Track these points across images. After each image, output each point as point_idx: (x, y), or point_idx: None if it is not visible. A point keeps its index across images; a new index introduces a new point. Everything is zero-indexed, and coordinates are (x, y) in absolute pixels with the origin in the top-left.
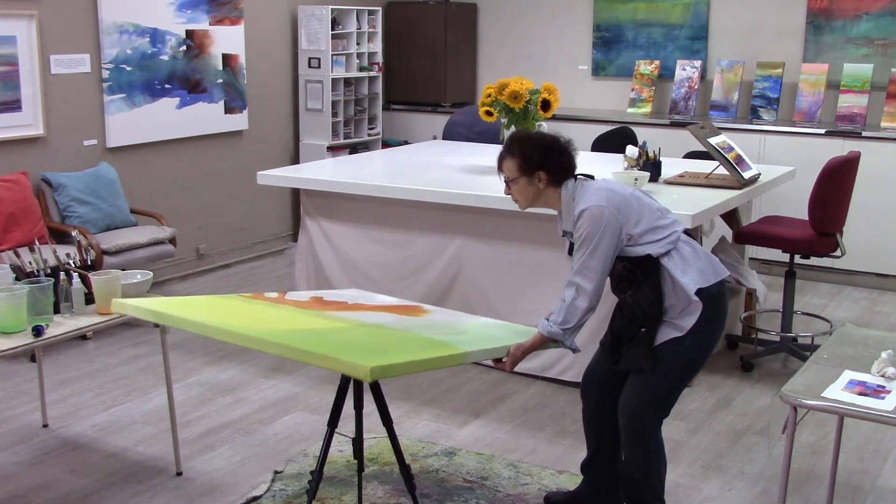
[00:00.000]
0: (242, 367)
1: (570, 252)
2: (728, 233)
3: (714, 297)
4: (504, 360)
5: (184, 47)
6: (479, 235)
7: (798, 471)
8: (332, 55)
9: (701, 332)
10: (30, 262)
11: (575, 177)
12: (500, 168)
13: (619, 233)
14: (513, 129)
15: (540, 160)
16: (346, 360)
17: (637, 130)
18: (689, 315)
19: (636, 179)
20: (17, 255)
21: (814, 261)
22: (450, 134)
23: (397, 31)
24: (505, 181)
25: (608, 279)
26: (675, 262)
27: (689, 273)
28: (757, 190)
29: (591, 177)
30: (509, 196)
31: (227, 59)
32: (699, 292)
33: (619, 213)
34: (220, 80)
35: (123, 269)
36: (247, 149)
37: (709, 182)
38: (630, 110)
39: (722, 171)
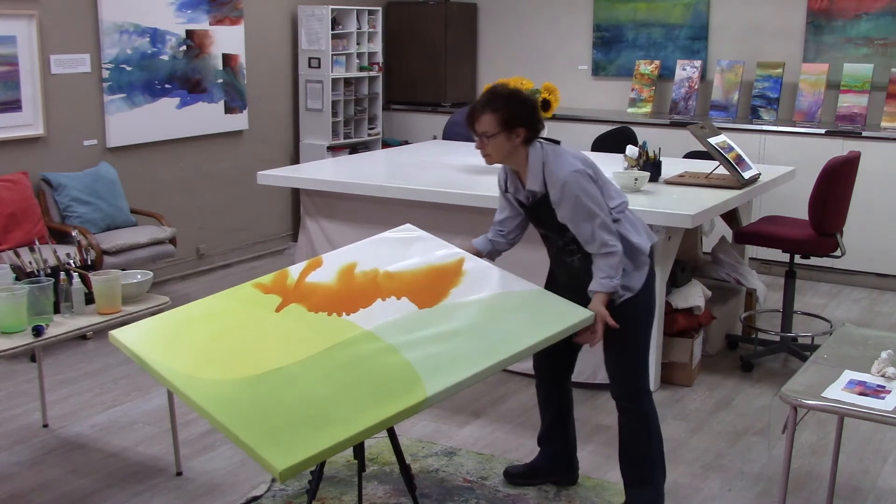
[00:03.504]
0: None
1: (524, 207)
2: (728, 233)
3: (653, 255)
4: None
5: (184, 47)
6: (479, 235)
7: (798, 471)
8: (332, 55)
9: (648, 287)
10: (30, 262)
11: (540, 140)
12: (474, 121)
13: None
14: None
15: (522, 117)
16: (262, 455)
17: (637, 130)
18: (637, 272)
19: (636, 179)
20: (18, 255)
21: (814, 261)
22: (450, 134)
23: (397, 31)
24: (479, 135)
25: (550, 247)
26: (626, 227)
27: (640, 234)
28: (757, 190)
29: (557, 142)
30: (479, 151)
31: (227, 59)
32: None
33: (592, 171)
34: (220, 80)
35: (123, 269)
36: (247, 149)
37: (709, 182)
38: (630, 110)
39: (722, 171)
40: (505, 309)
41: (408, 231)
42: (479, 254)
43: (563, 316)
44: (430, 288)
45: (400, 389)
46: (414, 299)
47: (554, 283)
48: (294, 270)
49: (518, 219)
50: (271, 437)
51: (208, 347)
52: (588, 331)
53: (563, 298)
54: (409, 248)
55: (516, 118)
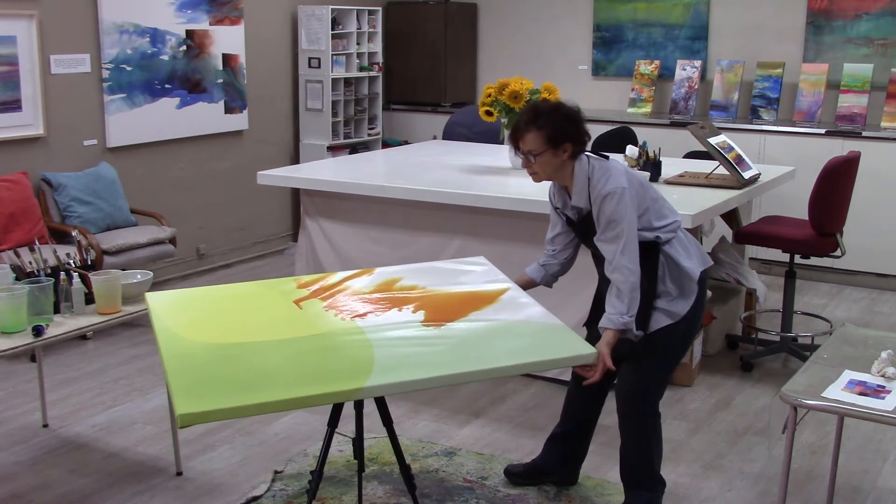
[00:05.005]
0: None
1: (572, 224)
2: (728, 233)
3: (704, 283)
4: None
5: (184, 47)
6: (479, 235)
7: (798, 471)
8: (332, 55)
9: (692, 317)
10: (30, 262)
11: (587, 154)
12: (519, 140)
13: (636, 210)
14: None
15: (567, 132)
16: (173, 398)
17: (637, 130)
18: (683, 300)
19: None
20: (18, 255)
21: (814, 261)
22: (450, 134)
23: (397, 31)
24: (525, 155)
25: (598, 265)
26: (676, 249)
27: (692, 258)
28: (757, 190)
29: (606, 156)
30: (526, 169)
31: (227, 59)
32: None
33: (635, 192)
34: (220, 80)
35: (123, 269)
36: (247, 149)
37: (709, 182)
38: (630, 110)
39: (722, 171)
40: (509, 333)
41: (475, 262)
42: (532, 282)
43: (561, 348)
44: (451, 307)
45: (345, 376)
46: (427, 313)
47: (602, 301)
48: (341, 274)
49: (570, 235)
50: (194, 387)
51: (208, 316)
52: (589, 367)
53: (578, 336)
54: (463, 276)
55: (562, 134)
